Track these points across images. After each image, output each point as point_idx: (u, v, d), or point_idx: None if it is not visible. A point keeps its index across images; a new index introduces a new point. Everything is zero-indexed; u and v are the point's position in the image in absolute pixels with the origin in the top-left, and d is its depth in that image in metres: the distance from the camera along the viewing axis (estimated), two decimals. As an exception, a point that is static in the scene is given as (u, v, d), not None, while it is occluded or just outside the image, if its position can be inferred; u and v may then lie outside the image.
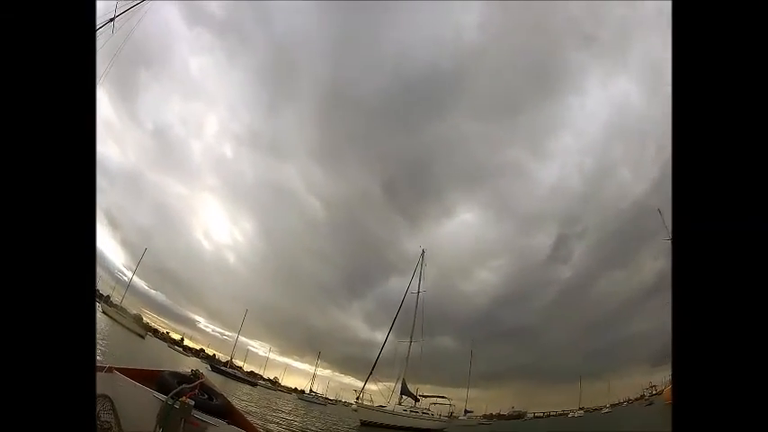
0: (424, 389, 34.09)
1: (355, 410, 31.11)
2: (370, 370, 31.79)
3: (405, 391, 33.35)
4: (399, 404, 32.02)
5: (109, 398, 4.92)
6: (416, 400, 33.22)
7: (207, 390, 5.91)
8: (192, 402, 4.76)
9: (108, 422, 4.72)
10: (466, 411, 33.86)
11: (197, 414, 4.76)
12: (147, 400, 4.76)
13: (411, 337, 36.25)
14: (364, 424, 26.08)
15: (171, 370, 6.09)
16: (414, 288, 38.80)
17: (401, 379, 33.72)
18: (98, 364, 5.28)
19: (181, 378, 5.68)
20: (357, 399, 29.02)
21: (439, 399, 35.37)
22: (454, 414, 36.45)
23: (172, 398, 4.70)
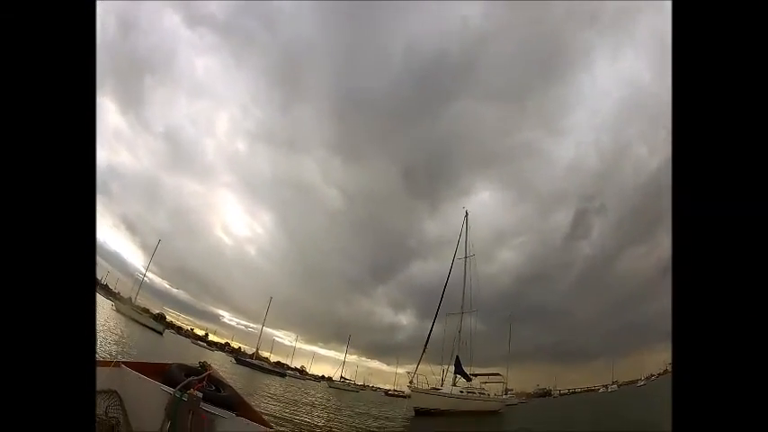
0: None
1: (408, 396, 30.39)
2: (418, 351, 30.71)
3: (459, 371, 32.87)
4: (454, 385, 31.59)
5: (117, 393, 5.25)
6: (469, 379, 32.89)
7: (215, 381, 6.20)
8: (200, 395, 4.99)
9: (116, 417, 5.03)
10: (507, 390, 33.56)
11: (205, 406, 4.99)
12: (155, 394, 5.01)
13: (462, 308, 35.93)
14: (420, 413, 24.79)
15: (179, 363, 6.32)
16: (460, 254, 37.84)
17: (454, 356, 33.42)
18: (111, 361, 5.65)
19: (188, 370, 5.91)
20: (410, 383, 28.06)
21: (492, 376, 35.19)
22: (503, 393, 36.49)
23: (180, 390, 4.92)
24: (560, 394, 47.05)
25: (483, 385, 34.05)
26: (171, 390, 4.96)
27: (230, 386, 6.67)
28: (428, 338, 32.78)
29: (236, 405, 6.00)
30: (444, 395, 28.38)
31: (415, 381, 28.54)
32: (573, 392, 47.61)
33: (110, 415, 5.03)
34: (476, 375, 34.10)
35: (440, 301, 34.38)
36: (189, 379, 5.29)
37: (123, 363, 5.62)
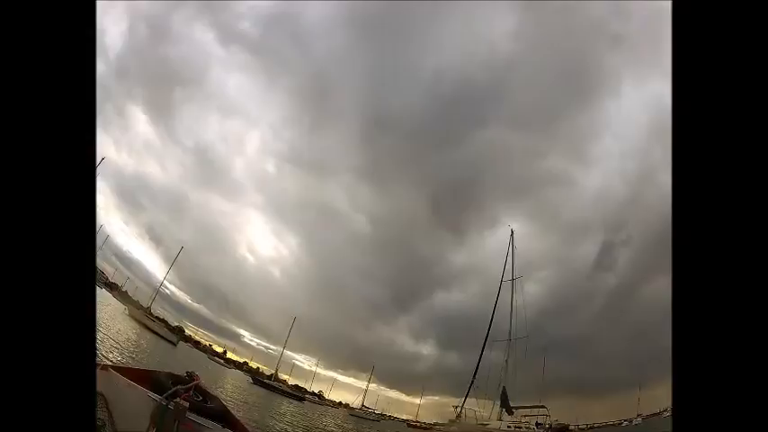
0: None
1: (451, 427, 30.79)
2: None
3: (504, 404, 32.85)
4: (500, 419, 31.67)
5: (103, 395, 5.35)
6: (511, 413, 32.79)
7: (202, 392, 6.44)
8: (187, 404, 5.09)
9: (101, 419, 5.10)
10: (537, 424, 32.55)
11: (191, 416, 5.06)
12: (142, 400, 5.14)
13: (510, 335, 36.01)
14: None
15: (167, 371, 6.69)
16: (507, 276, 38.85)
17: (501, 387, 33.45)
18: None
19: (176, 379, 6.19)
20: (457, 417, 29.14)
21: (537, 409, 34.19)
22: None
23: (166, 398, 5.06)
24: (579, 429, 46.64)
25: (523, 418, 33.26)
26: (158, 397, 5.11)
27: (217, 397, 7.01)
28: (476, 369, 33.55)
29: (223, 416, 6.23)
30: (493, 430, 28.63)
31: (463, 415, 29.17)
32: (591, 427, 47.28)
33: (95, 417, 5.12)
34: (516, 408, 33.57)
35: (489, 328, 35.63)
36: (175, 388, 5.45)
37: (111, 367, 5.88)
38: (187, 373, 6.65)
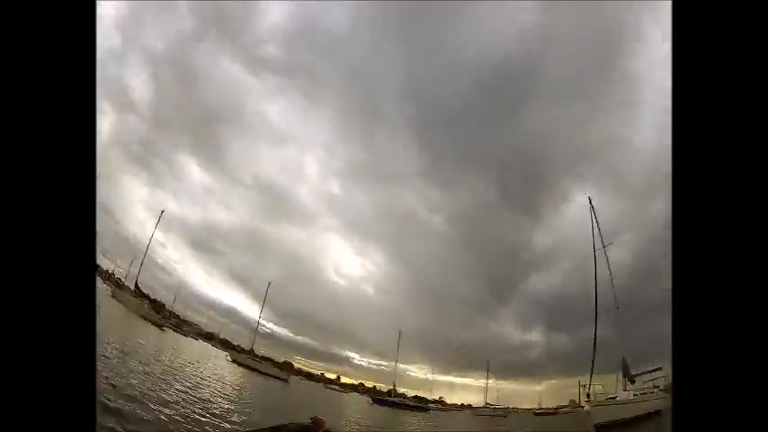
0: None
1: (585, 412, 30.97)
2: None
3: (627, 373, 33.03)
4: (625, 390, 31.89)
5: None
6: (633, 381, 32.92)
7: None
8: None
9: None
10: (656, 387, 31.49)
11: None
12: None
13: (616, 303, 35.17)
14: (601, 428, 24.88)
15: (289, 423, 6.13)
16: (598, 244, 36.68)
17: (622, 360, 33.63)
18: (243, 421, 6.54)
19: (301, 430, 5.82)
20: (587, 396, 29.32)
21: (656, 372, 33.74)
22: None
23: None
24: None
25: (645, 384, 33.02)
26: None
27: None
28: (594, 345, 33.52)
29: None
30: (623, 402, 28.64)
31: (591, 394, 29.35)
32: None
33: None
34: (637, 375, 33.55)
35: (595, 300, 34.90)
36: None
37: None
38: (311, 419, 6.04)
